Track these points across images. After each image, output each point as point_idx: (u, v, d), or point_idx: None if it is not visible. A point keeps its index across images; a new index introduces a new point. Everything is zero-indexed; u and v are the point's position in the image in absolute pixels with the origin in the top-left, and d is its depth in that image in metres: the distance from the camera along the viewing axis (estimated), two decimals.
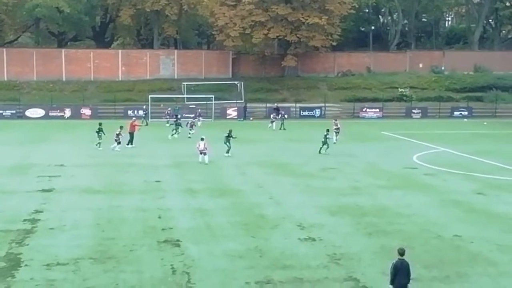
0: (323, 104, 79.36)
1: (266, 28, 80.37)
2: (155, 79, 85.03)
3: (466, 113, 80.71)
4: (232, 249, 23.03)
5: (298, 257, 22.20)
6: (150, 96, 74.61)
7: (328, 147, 46.94)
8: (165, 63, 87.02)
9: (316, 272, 20.75)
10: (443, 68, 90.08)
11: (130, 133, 49.67)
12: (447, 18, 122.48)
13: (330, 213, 28.60)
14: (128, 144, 49.19)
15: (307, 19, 79.23)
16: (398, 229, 26.02)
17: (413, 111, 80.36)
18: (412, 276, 17.38)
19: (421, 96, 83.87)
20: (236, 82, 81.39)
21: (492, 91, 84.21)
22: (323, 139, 46.87)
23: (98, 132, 48.34)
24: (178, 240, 23.98)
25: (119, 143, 47.59)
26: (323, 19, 78.88)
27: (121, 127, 48.48)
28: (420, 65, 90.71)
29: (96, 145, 48.03)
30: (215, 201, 30.84)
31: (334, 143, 50.36)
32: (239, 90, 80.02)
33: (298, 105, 79.38)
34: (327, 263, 21.65)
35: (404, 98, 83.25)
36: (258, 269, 21.03)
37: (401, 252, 17.33)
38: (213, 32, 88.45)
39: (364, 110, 79.95)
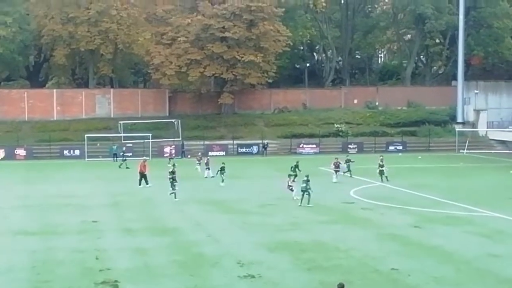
0: (260, 141, 79.69)
1: (202, 66, 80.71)
2: (91, 118, 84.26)
3: (400, 147, 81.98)
4: None
5: None
6: (86, 135, 73.90)
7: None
8: (101, 102, 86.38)
9: None
10: (377, 103, 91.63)
11: (140, 173, 48.49)
12: (379, 55, 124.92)
13: (269, 249, 28.59)
14: (140, 184, 47.77)
15: (242, 57, 79.88)
16: (337, 264, 26.14)
17: (349, 146, 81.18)
18: None
19: (356, 132, 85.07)
20: (173, 120, 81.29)
21: (425, 126, 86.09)
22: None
23: (173, 180, 43.44)
24: (116, 281, 23.61)
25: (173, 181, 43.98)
26: (258, 57, 79.67)
27: (174, 165, 46.75)
28: (355, 101, 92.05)
29: (171, 194, 43.02)
30: (153, 240, 30.54)
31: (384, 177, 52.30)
32: (176, 128, 79.92)
33: (235, 142, 79.61)
34: None
35: (340, 133, 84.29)
36: None
37: (340, 287, 17.43)
38: (149, 71, 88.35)
39: (301, 146, 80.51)
